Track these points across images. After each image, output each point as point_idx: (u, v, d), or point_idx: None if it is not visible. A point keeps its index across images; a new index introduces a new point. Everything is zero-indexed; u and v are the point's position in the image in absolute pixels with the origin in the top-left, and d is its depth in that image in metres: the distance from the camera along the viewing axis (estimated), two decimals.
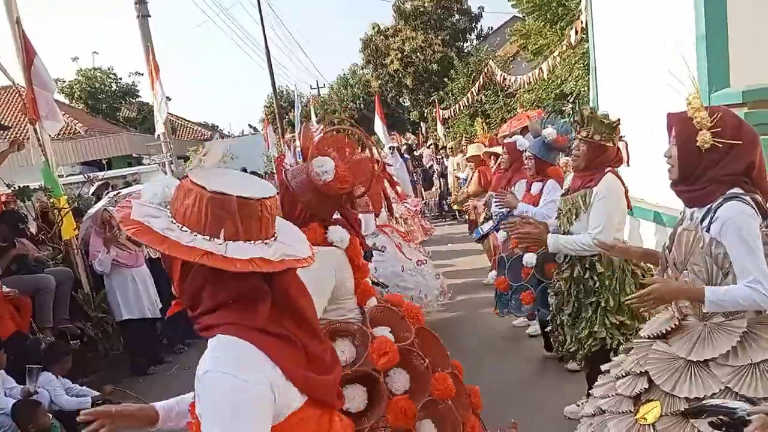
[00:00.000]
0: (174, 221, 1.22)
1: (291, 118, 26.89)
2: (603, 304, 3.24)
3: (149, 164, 15.00)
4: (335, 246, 2.31)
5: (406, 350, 2.35)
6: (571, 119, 3.37)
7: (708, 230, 2.02)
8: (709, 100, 4.37)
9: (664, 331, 2.15)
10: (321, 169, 2.26)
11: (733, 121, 2.04)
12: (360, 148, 2.57)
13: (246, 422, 1.18)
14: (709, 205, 2.04)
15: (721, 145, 1.99)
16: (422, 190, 13.95)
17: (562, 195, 3.46)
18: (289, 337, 1.29)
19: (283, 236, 1.32)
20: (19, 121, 17.41)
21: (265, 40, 23.03)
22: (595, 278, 3.25)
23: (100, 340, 5.73)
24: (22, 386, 4.09)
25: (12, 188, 5.91)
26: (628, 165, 3.41)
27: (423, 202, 13.16)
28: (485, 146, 7.25)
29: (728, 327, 2.00)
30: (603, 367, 2.40)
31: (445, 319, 5.95)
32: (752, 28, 4.14)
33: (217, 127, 42.86)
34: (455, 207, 11.70)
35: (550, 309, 3.64)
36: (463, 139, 12.34)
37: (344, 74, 36.04)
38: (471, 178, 7.48)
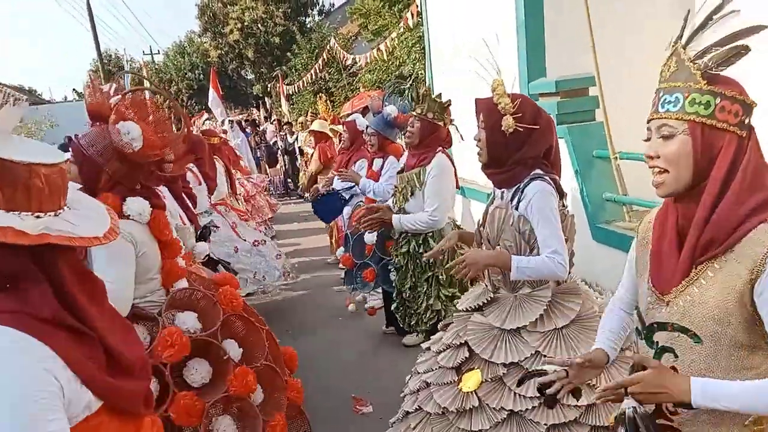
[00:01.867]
0: None
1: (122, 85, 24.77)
2: (437, 278, 3.43)
3: None
4: (132, 220, 2.13)
5: (207, 341, 2.24)
6: (409, 98, 3.60)
7: (517, 208, 2.21)
8: (528, 88, 4.73)
9: (480, 304, 2.31)
10: (128, 136, 2.06)
11: (532, 107, 2.24)
12: (167, 112, 2.42)
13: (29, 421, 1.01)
14: (517, 186, 2.23)
15: (522, 130, 2.17)
16: (266, 166, 13.63)
17: (399, 173, 3.59)
18: (84, 332, 1.14)
19: (74, 213, 1.16)
20: None
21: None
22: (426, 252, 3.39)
23: None
24: None
25: None
26: (448, 145, 3.61)
27: (267, 179, 12.89)
28: (328, 123, 7.25)
29: (535, 297, 2.21)
30: (423, 345, 2.52)
31: (289, 297, 5.91)
32: (566, 21, 4.52)
33: (35, 91, 38.27)
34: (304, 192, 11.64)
35: (393, 285, 3.78)
36: (308, 114, 12.24)
37: (181, 41, 33.93)
38: (312, 156, 7.45)
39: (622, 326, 1.62)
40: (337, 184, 5.17)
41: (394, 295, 3.81)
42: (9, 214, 1.03)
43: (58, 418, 1.05)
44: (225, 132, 8.44)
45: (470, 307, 2.33)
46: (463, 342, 2.23)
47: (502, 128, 2.16)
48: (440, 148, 3.42)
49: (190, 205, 3.44)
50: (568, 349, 2.06)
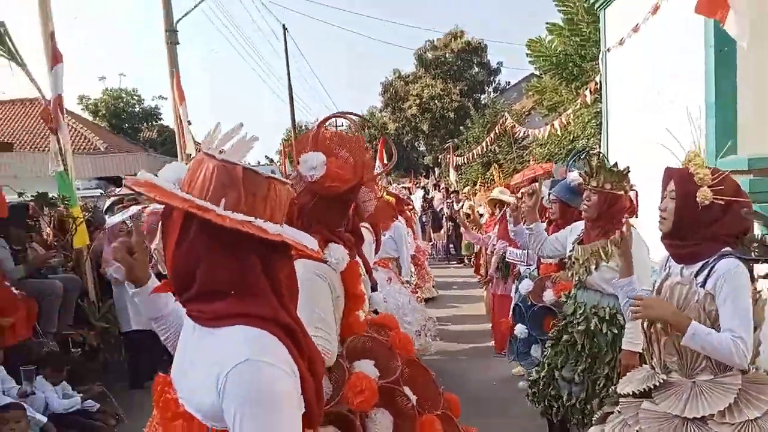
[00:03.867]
0: (179, 188, 1.20)
1: None
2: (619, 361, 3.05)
3: None
4: (330, 266, 2.04)
5: (389, 388, 2.13)
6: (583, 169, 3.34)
7: (703, 285, 2.05)
8: (716, 165, 4.48)
9: (651, 387, 2.12)
10: (307, 164, 2.00)
11: (733, 183, 2.11)
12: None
13: (293, 424, 1.12)
14: (703, 261, 2.08)
15: (718, 204, 2.04)
16: (431, 231, 14.09)
17: (577, 243, 3.32)
18: (296, 331, 1.20)
19: (291, 229, 1.26)
20: (42, 132, 17.94)
21: (288, 76, 23.70)
22: (615, 331, 3.10)
23: (101, 350, 5.74)
24: (19, 386, 4.14)
25: (23, 196, 5.97)
26: (636, 216, 3.35)
27: (431, 243, 13.28)
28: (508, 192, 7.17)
29: (722, 385, 2.00)
30: None
31: (443, 363, 5.92)
32: (759, 100, 4.29)
33: None
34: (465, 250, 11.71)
35: (545, 363, 3.46)
36: (477, 184, 12.55)
37: (363, 115, 36.65)
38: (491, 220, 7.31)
39: None
40: (510, 255, 5.20)
41: (542, 373, 3.47)
42: (248, 217, 1.15)
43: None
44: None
45: (636, 391, 2.16)
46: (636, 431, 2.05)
47: (697, 199, 2.05)
48: (625, 218, 3.09)
49: (366, 257, 3.57)
50: None
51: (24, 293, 4.87)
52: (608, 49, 6.91)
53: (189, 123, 9.37)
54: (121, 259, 1.50)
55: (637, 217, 3.31)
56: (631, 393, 2.18)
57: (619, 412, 2.18)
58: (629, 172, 3.18)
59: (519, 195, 5.35)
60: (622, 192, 3.15)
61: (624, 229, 2.62)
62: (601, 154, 3.47)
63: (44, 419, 4.00)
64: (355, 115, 2.23)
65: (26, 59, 5.67)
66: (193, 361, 1.20)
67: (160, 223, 1.37)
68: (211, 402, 1.12)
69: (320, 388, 1.25)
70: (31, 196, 5.99)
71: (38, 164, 11.43)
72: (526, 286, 4.60)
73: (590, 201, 3.16)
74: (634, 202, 3.28)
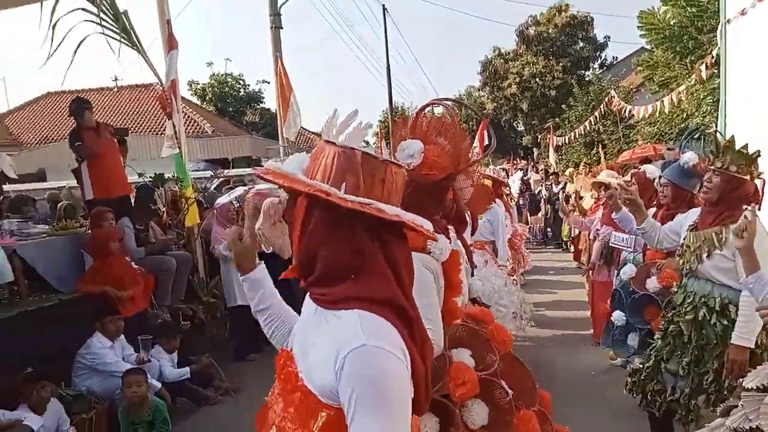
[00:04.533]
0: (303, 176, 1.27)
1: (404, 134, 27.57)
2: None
3: None
4: (433, 257, 2.04)
5: (487, 380, 2.14)
6: (705, 149, 3.08)
7: None
8: None
9: None
10: (405, 152, 1.99)
11: None
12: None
13: (404, 408, 1.16)
14: None
15: None
16: (528, 214, 13.75)
17: (691, 229, 3.14)
18: (410, 316, 1.22)
19: (406, 213, 1.27)
20: (153, 116, 19.26)
21: (387, 57, 23.83)
22: (725, 323, 2.91)
23: (208, 324, 6.12)
24: (137, 354, 4.53)
25: (143, 177, 6.42)
26: (759, 207, 3.05)
27: (528, 226, 12.97)
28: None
29: None
30: None
31: (536, 349, 5.80)
32: None
33: None
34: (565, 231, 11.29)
35: (651, 355, 3.31)
36: (581, 165, 12.08)
37: (460, 95, 36.22)
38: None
39: None
40: (615, 240, 4.97)
41: (646, 364, 3.34)
42: (367, 199, 1.19)
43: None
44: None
45: (761, 385, 2.07)
46: (754, 426, 1.97)
47: None
48: (746, 206, 2.89)
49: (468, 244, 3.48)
50: None
51: (143, 268, 5.29)
52: (728, 21, 6.39)
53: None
54: (231, 244, 1.60)
55: (760, 208, 3.02)
56: (755, 387, 2.10)
57: (741, 405, 2.11)
58: (759, 156, 2.91)
59: (629, 177, 5.12)
60: (748, 177, 2.91)
61: (748, 218, 2.44)
62: (718, 133, 3.19)
63: (159, 385, 4.36)
64: (453, 100, 2.17)
65: (144, 46, 6.11)
66: (314, 341, 1.28)
67: (261, 204, 1.47)
68: (328, 381, 1.18)
69: (429, 374, 1.27)
70: (149, 177, 6.45)
71: (151, 147, 12.27)
72: (628, 271, 4.45)
73: (711, 183, 2.96)
74: (759, 190, 3.00)
